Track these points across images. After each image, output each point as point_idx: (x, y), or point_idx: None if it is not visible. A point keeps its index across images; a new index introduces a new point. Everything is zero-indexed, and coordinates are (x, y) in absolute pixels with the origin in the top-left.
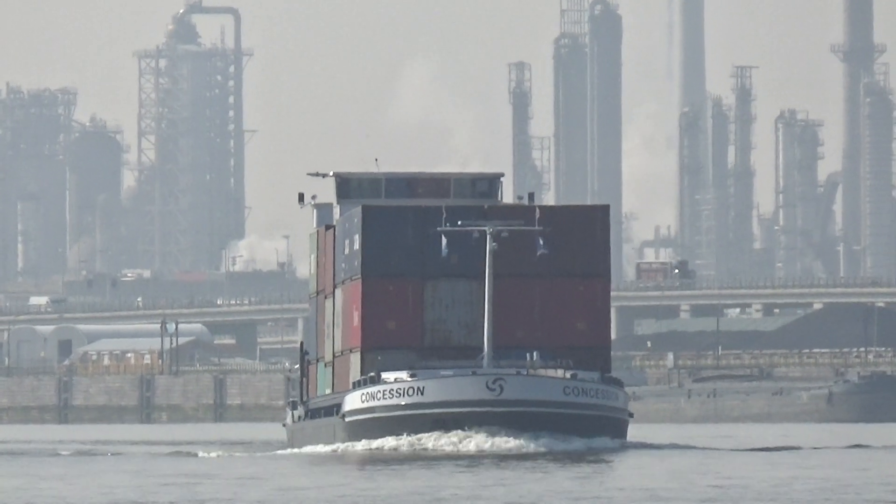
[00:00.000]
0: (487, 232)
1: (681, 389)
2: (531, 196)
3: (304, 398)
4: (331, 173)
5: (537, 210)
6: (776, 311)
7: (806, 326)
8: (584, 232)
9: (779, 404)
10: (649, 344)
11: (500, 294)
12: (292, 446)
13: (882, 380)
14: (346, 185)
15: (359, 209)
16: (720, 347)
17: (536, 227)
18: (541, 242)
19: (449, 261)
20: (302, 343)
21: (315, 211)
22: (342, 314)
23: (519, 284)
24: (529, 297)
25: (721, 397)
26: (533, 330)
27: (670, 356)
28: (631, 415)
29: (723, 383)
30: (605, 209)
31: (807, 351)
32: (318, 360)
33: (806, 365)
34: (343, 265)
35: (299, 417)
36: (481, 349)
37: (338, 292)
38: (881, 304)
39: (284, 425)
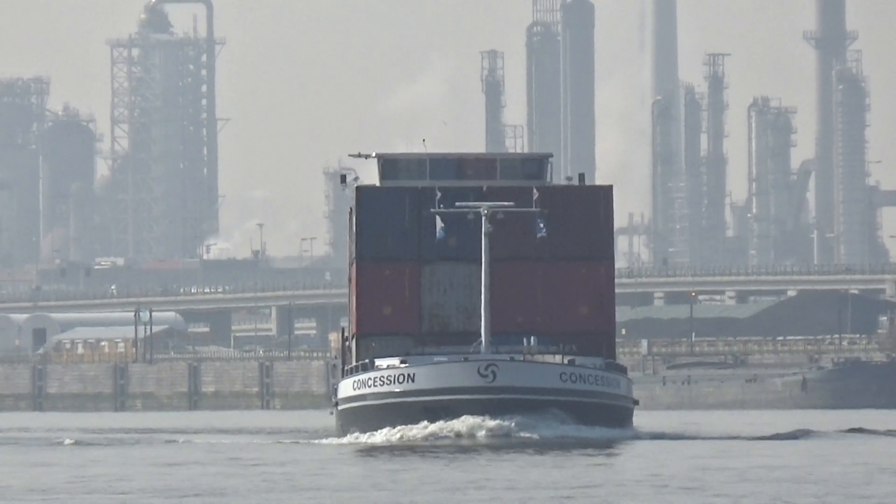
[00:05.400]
0: (482, 213)
1: (655, 377)
2: (581, 177)
3: None
4: (373, 154)
5: (535, 191)
6: (750, 298)
7: (780, 313)
8: (586, 213)
9: (753, 391)
10: (623, 331)
11: (501, 278)
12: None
13: (856, 366)
14: (391, 167)
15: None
16: (694, 334)
17: (534, 209)
18: (541, 225)
19: (447, 243)
20: (343, 329)
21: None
22: (351, 298)
23: (519, 268)
24: (531, 280)
25: (695, 384)
26: (534, 315)
27: (644, 343)
28: (636, 402)
29: (697, 370)
30: (608, 190)
31: (781, 338)
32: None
33: (780, 352)
34: (351, 248)
35: (337, 404)
36: (480, 335)
37: (352, 275)
38: (854, 291)
39: (332, 413)
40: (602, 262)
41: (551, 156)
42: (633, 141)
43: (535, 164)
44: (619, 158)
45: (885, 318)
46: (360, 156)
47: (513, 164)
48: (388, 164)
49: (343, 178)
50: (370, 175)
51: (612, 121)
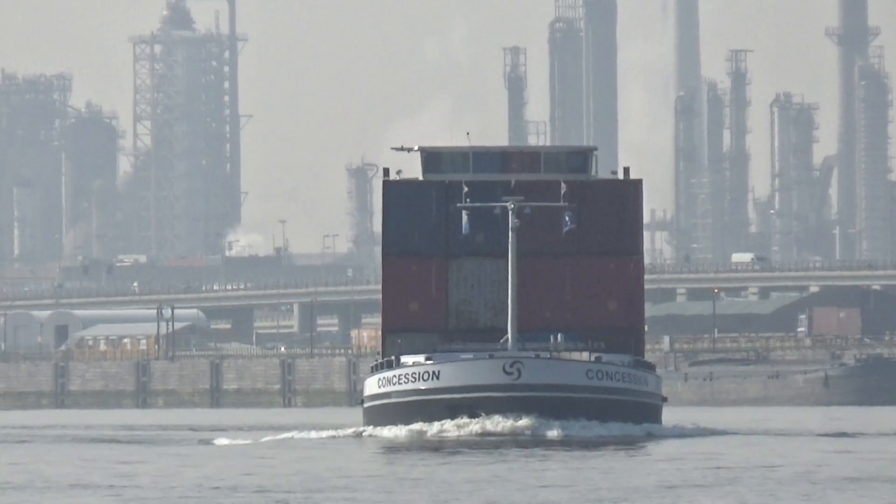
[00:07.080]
0: (510, 208)
1: (677, 373)
2: (626, 171)
3: None
4: (416, 147)
5: (563, 185)
6: (773, 294)
7: (802, 310)
8: (615, 208)
9: (775, 388)
10: (646, 327)
11: (529, 274)
12: None
13: (878, 363)
14: (434, 160)
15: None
16: (716, 331)
17: (562, 203)
18: (567, 219)
19: (474, 239)
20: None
21: None
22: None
23: (548, 263)
24: (559, 276)
25: (717, 381)
26: (562, 311)
27: (667, 339)
28: (664, 399)
29: (719, 367)
30: (637, 184)
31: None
32: None
33: (802, 348)
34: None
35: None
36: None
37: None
38: (877, 287)
39: None
40: (631, 258)
41: (596, 149)
42: (655, 137)
43: (580, 158)
44: (642, 154)
45: (803, 315)
46: (402, 149)
47: (557, 158)
48: (431, 158)
49: (386, 172)
50: (414, 169)
51: (634, 117)
